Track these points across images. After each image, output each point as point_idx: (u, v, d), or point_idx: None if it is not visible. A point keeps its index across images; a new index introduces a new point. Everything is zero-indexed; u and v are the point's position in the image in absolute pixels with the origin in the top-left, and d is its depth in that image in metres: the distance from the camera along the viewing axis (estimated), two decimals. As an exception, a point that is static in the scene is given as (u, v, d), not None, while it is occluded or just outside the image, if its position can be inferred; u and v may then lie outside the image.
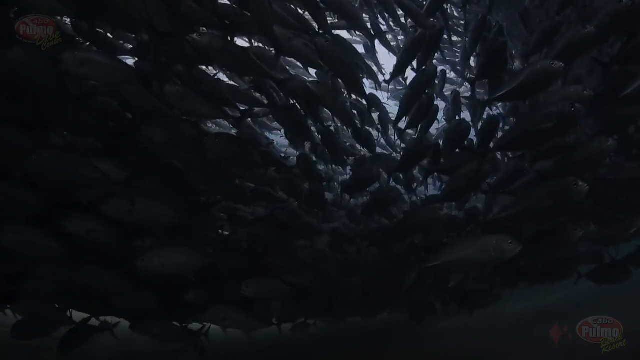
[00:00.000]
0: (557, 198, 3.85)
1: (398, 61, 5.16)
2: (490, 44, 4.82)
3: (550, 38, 4.68)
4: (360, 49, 6.43)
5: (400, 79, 7.02)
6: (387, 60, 6.86)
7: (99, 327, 5.16)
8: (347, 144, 6.45)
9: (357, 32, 6.95)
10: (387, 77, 5.72)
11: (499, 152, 5.45)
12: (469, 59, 6.42)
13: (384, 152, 7.19)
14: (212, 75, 4.73)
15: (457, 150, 5.42)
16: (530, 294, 6.35)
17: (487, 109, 6.24)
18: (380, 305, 7.00)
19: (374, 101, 6.07)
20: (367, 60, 6.05)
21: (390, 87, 6.07)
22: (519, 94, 4.26)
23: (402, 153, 6.00)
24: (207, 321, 4.87)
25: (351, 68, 4.40)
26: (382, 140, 7.14)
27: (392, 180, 6.26)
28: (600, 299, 5.68)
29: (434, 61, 6.27)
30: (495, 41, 4.78)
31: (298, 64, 5.20)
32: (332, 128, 5.88)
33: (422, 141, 5.54)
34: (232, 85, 5.28)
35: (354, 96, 5.67)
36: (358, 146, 6.59)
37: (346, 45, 4.84)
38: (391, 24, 6.22)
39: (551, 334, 3.79)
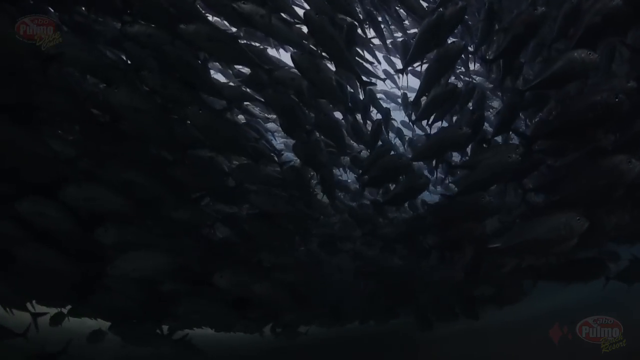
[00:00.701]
0: (609, 176, 3.77)
1: (414, 46, 4.68)
2: (528, 17, 4.21)
3: (572, 22, 4.30)
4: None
5: (395, 78, 6.88)
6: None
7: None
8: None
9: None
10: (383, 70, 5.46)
11: None
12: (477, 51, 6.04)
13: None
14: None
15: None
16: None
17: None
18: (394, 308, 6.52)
19: (371, 97, 5.75)
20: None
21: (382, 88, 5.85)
22: (553, 83, 4.16)
23: (428, 140, 5.52)
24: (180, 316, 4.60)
25: (342, 44, 4.10)
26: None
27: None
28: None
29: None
30: (533, 12, 4.17)
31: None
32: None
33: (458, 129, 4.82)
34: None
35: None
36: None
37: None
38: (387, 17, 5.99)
39: (551, 334, 3.66)
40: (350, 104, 5.33)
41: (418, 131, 6.55)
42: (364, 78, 4.95)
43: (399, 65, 5.82)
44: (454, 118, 5.91)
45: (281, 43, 4.43)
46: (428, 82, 4.78)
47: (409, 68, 5.48)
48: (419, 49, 4.64)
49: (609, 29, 4.10)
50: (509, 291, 5.80)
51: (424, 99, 5.48)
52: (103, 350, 5.66)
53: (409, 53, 4.83)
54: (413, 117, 5.84)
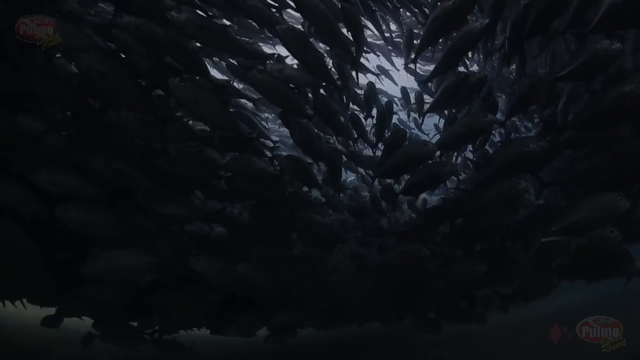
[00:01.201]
0: None
1: (424, 35, 4.36)
2: None
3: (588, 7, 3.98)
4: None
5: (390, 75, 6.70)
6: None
7: None
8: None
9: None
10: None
11: None
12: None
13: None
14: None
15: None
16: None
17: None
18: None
19: (372, 91, 5.49)
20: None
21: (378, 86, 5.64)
22: (581, 75, 4.06)
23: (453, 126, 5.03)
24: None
25: (334, 22, 3.89)
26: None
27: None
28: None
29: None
30: None
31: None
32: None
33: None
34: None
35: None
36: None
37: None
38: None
39: (551, 334, 3.55)
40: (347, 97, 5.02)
41: (416, 130, 6.38)
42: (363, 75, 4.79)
43: (397, 62, 5.69)
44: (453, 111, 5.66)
45: (265, 26, 4.27)
46: (444, 64, 4.50)
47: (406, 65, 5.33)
48: (430, 36, 4.30)
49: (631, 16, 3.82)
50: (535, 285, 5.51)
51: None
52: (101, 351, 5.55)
53: (420, 41, 4.50)
54: (417, 113, 5.64)
